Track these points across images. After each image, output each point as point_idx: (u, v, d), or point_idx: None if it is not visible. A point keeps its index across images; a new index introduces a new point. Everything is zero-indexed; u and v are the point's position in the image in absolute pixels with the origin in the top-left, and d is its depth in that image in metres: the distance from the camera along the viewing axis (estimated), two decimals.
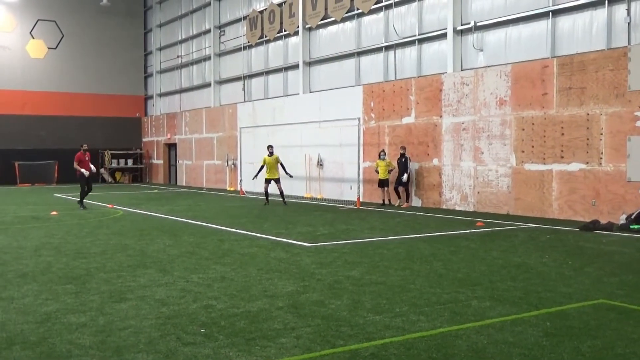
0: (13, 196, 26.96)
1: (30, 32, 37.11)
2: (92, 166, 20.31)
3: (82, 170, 19.94)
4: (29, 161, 35.90)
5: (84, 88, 38.66)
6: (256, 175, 21.49)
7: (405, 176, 20.04)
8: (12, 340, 5.81)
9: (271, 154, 21.18)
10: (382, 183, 20.88)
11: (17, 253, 11.06)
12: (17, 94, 36.77)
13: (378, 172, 20.86)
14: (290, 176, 21.77)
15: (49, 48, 37.64)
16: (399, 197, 20.57)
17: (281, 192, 21.25)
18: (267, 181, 21.24)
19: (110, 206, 21.02)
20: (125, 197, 26.18)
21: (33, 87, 37.20)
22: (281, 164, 21.27)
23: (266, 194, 21.48)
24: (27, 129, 36.64)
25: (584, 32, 16.50)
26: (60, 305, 7.14)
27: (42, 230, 14.52)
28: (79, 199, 20.52)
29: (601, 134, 15.35)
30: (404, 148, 20.42)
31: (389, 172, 20.66)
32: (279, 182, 21.19)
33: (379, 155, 20.97)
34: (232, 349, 5.53)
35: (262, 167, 21.30)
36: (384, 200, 20.96)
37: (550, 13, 17.21)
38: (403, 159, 20.22)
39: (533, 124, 17.01)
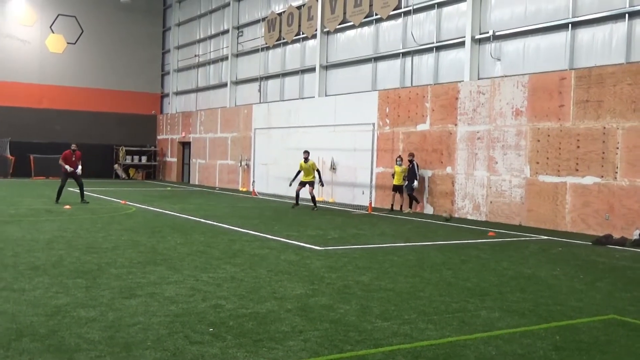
0: (28, 189, 27.17)
1: (50, 27, 37.42)
2: (79, 166, 20.57)
3: (67, 166, 20.26)
4: (44, 154, 36.15)
5: (101, 84, 38.91)
6: (292, 181, 20.90)
7: (415, 183, 20.00)
8: (22, 332, 5.85)
9: (306, 160, 20.77)
10: (396, 188, 20.86)
11: (30, 245, 11.14)
12: (35, 87, 37.07)
13: (394, 177, 20.83)
14: (322, 185, 21.36)
15: (68, 43, 37.93)
16: (412, 203, 20.51)
17: (313, 197, 20.89)
18: (301, 184, 20.84)
19: (123, 202, 21.14)
20: (138, 193, 26.30)
21: (51, 81, 37.49)
22: (317, 171, 20.96)
23: (297, 196, 20.99)
24: (43, 123, 36.92)
25: (603, 45, 16.40)
26: (71, 299, 7.19)
27: (55, 223, 14.62)
28: (57, 195, 20.43)
29: (617, 148, 15.24)
30: (412, 154, 20.38)
31: (403, 178, 20.60)
32: (312, 186, 20.82)
33: (396, 161, 20.94)
34: (240, 349, 5.54)
35: (298, 173, 20.87)
36: (392, 206, 20.89)
37: (570, 25, 17.12)
38: (411, 165, 20.21)
39: (549, 135, 16.92)
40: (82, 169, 20.96)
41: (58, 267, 9.12)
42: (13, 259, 9.74)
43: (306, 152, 21.05)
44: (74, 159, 20.39)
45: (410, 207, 20.57)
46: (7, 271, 8.73)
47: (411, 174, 20.16)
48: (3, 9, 36.28)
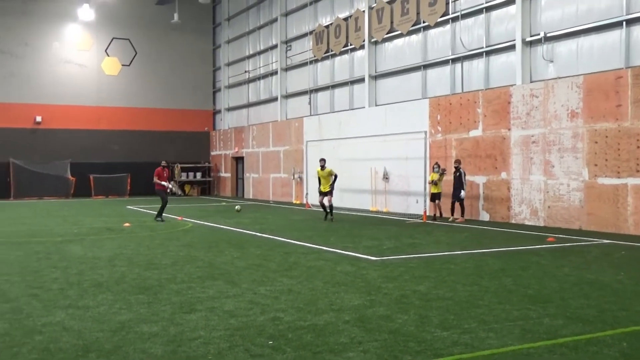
0: (88, 208, 27.95)
1: (106, 50, 38.55)
2: (165, 183, 20.88)
3: (163, 182, 20.70)
4: (103, 174, 37.18)
5: (155, 103, 39.83)
6: (332, 186, 20.45)
7: (463, 192, 19.61)
8: (88, 348, 6.02)
9: (322, 167, 20.49)
10: (434, 197, 20.53)
11: (93, 263, 11.46)
12: (92, 109, 38.20)
13: (432, 185, 20.45)
14: (331, 188, 20.34)
15: (122, 65, 38.99)
16: (454, 212, 20.02)
17: (330, 207, 20.30)
18: (321, 194, 20.53)
19: (179, 218, 21.52)
20: (194, 209, 26.75)
21: (107, 103, 38.57)
22: (334, 176, 20.39)
23: (323, 207, 20.54)
24: (101, 144, 37.98)
25: None
26: (134, 315, 7.36)
27: (116, 241, 15.00)
28: (158, 212, 20.84)
29: None
30: (458, 162, 20.03)
31: (436, 183, 20.20)
32: (331, 195, 20.33)
33: (433, 168, 20.65)
34: None
35: (319, 181, 20.62)
36: (434, 214, 20.57)
37: (624, 22, 16.69)
38: (457, 174, 19.77)
39: (606, 136, 16.49)
40: (170, 186, 21.45)
41: (120, 284, 9.34)
42: (77, 276, 10.03)
43: (322, 160, 20.83)
44: (165, 175, 20.99)
45: (453, 214, 20.07)
46: (72, 289, 8.99)
47: (458, 182, 19.74)
48: (61, 35, 37.57)
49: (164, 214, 20.92)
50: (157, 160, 39.00)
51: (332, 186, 20.39)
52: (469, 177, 20.47)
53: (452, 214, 20.04)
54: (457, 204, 19.91)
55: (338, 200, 21.30)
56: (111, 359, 5.68)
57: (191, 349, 5.98)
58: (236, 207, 25.72)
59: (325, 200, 20.45)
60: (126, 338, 6.37)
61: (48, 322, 7.05)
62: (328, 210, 20.39)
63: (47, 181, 36.21)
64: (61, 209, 27.47)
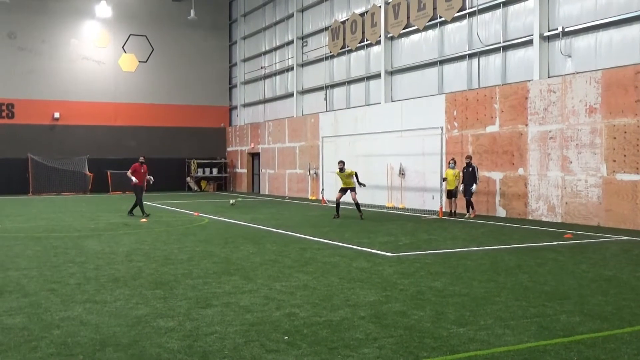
0: (106, 203, 28.18)
1: (123, 47, 38.77)
2: (149, 177, 20.88)
3: (134, 179, 20.44)
4: (120, 170, 37.41)
5: (171, 99, 40.01)
6: (360, 184, 20.07)
7: (474, 187, 19.47)
8: (105, 342, 6.07)
9: (342, 169, 19.85)
10: (450, 193, 20.38)
11: (110, 258, 11.54)
12: (110, 106, 38.45)
13: (446, 181, 20.30)
14: (362, 185, 20.12)
15: (139, 62, 39.19)
16: (472, 208, 19.95)
17: (357, 204, 19.56)
18: (342, 190, 19.89)
19: (196, 214, 21.62)
20: (210, 205, 26.85)
21: (124, 99, 38.81)
22: (355, 174, 19.86)
23: (337, 206, 19.85)
24: (118, 140, 38.24)
25: None
26: (150, 310, 7.40)
27: (133, 236, 15.10)
28: (131, 208, 20.83)
29: None
30: (469, 157, 19.90)
31: (458, 182, 20.10)
32: (355, 191, 19.61)
33: (448, 164, 20.53)
34: (315, 357, 5.57)
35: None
36: (451, 211, 20.41)
37: None
38: (470, 168, 19.60)
39: (625, 132, 16.32)
40: (146, 185, 21.13)
41: (137, 279, 9.40)
42: (95, 271, 10.11)
43: (341, 162, 20.11)
44: (143, 171, 20.80)
45: (468, 211, 19.96)
46: (89, 284, 9.07)
47: (469, 177, 19.59)
48: (79, 32, 37.84)
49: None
50: (174, 156, 39.62)
51: (359, 183, 19.85)
52: (485, 173, 20.37)
53: (468, 211, 19.95)
54: (463, 198, 19.87)
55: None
56: (128, 354, 5.72)
57: (207, 344, 6.01)
58: (231, 201, 25.78)
59: (350, 197, 19.74)
60: (143, 333, 6.41)
61: (66, 316, 7.12)
62: (357, 209, 19.64)
63: (65, 177, 36.56)
64: (79, 204, 27.71)
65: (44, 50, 36.88)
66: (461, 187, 19.83)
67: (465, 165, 19.89)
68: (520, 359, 5.50)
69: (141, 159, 21.41)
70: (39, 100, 36.70)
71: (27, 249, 12.94)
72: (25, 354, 5.73)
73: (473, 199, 19.90)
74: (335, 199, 20.39)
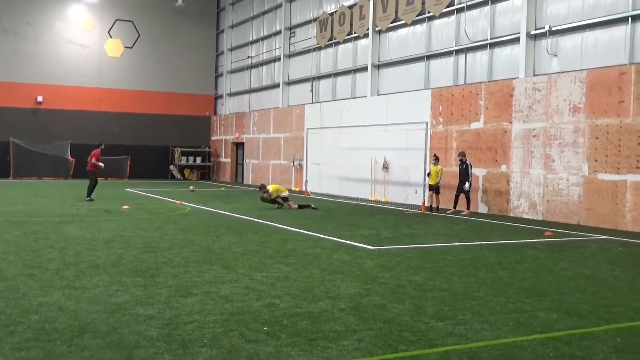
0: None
1: (109, 32, 38.40)
2: (101, 164, 22.27)
3: (100, 164, 21.81)
4: (103, 156, 37.02)
5: (156, 86, 39.75)
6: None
7: (467, 184, 19.43)
8: (84, 329, 6.03)
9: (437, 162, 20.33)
10: (431, 188, 20.45)
11: (90, 245, 11.47)
12: (94, 91, 38.12)
13: (429, 177, 20.38)
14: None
15: (125, 47, 38.84)
16: (456, 205, 19.92)
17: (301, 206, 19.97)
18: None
19: (178, 202, 21.53)
20: (193, 194, 26.74)
21: (109, 84, 38.49)
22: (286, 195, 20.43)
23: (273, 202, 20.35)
24: (102, 125, 37.94)
25: None
26: (130, 297, 7.37)
27: (114, 223, 15.01)
28: (89, 193, 21.68)
29: None
30: (463, 154, 19.72)
31: (440, 178, 20.19)
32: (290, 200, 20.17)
33: (431, 161, 20.54)
34: (294, 348, 5.58)
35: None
36: (431, 206, 20.45)
37: (630, 18, 16.62)
38: (464, 166, 19.53)
39: (608, 132, 16.47)
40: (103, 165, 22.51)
41: (117, 266, 9.36)
42: (74, 257, 10.04)
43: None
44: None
45: (468, 207, 19.84)
46: (69, 269, 9.01)
47: (463, 175, 19.57)
48: (64, 15, 37.44)
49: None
50: (157, 144, 39.38)
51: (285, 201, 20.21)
52: None
53: (455, 207, 19.93)
54: (461, 196, 19.71)
55: (337, 189, 21.22)
56: (106, 340, 5.70)
57: (186, 332, 5.99)
58: (190, 187, 25.84)
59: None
60: (122, 320, 6.38)
61: (44, 302, 7.07)
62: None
63: (47, 161, 36.24)
64: (60, 189, 27.49)
65: (28, 33, 36.46)
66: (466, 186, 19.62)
67: (459, 162, 19.81)
68: (498, 354, 5.55)
69: (102, 146, 22.80)
70: (22, 83, 36.30)
71: (6, 233, 12.82)
72: (2, 338, 5.69)
73: (463, 196, 19.72)
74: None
